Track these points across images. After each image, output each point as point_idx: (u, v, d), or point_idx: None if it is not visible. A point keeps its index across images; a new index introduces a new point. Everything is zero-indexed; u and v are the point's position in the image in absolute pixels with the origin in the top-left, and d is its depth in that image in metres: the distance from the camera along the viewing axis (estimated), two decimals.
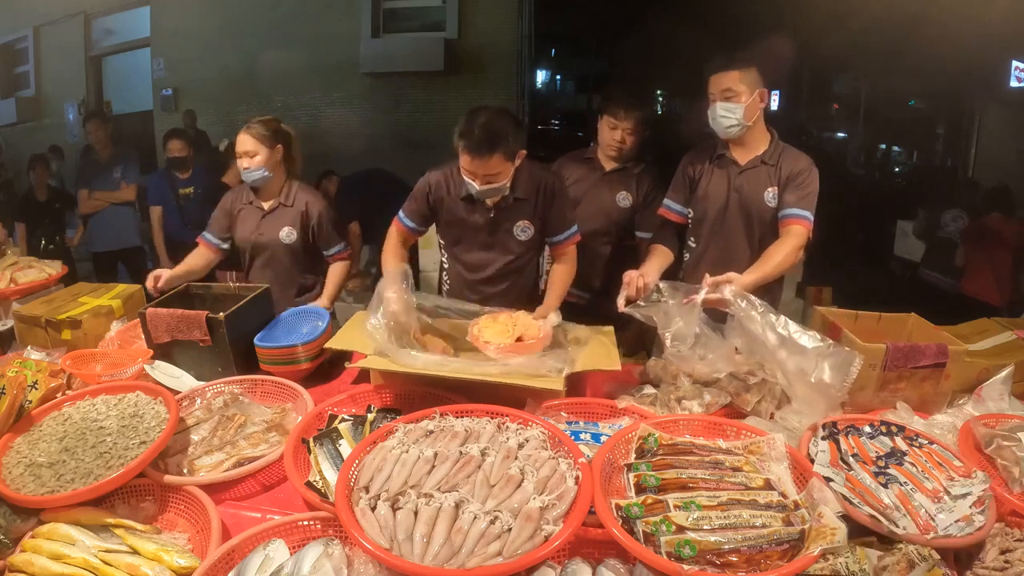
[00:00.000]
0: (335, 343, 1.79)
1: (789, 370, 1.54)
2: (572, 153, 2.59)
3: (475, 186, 1.89)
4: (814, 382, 1.49)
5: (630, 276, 1.85)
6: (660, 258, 2.06)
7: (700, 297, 1.68)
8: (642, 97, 2.39)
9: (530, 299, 2.11)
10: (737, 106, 1.95)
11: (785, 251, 1.89)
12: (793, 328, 1.56)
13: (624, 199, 2.45)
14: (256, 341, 1.89)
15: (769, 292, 1.99)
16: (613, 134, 2.38)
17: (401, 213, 2.11)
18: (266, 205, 2.33)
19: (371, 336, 1.68)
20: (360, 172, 4.34)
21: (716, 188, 2.09)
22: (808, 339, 1.53)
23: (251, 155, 2.23)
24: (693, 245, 2.18)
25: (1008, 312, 3.36)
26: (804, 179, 1.97)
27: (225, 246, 2.37)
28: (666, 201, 2.20)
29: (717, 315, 1.72)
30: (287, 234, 2.31)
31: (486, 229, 2.06)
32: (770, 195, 2.01)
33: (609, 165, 2.45)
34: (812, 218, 1.95)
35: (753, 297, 1.63)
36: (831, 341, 1.54)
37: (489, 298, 2.08)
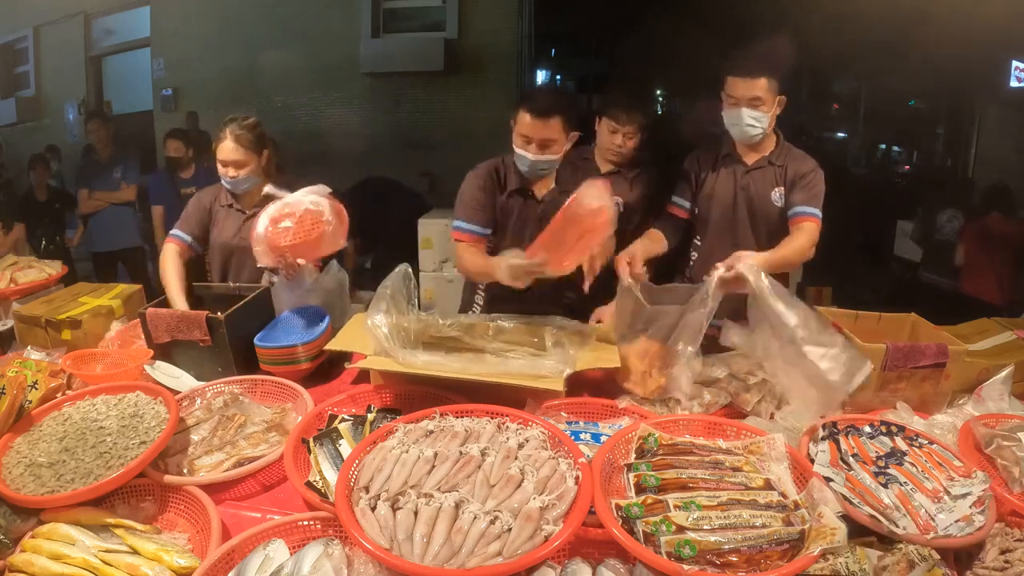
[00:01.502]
0: (335, 344, 1.79)
1: (793, 357, 1.50)
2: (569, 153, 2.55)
3: (528, 156, 1.86)
4: (817, 377, 1.47)
5: (619, 259, 1.84)
6: (650, 242, 2.05)
7: (716, 275, 1.64)
8: (644, 100, 2.37)
9: (555, 301, 2.07)
10: (764, 115, 1.96)
11: (800, 241, 1.90)
12: (813, 317, 1.52)
13: (617, 204, 2.42)
14: (256, 341, 1.88)
15: None
16: (613, 138, 2.35)
17: (464, 223, 1.97)
18: (248, 209, 2.22)
19: (371, 334, 1.67)
20: (354, 187, 4.34)
21: (722, 188, 2.11)
22: (826, 333, 1.50)
23: (240, 165, 2.10)
24: (699, 243, 2.20)
25: (1008, 312, 3.35)
26: (810, 180, 1.99)
27: (196, 246, 2.23)
28: (674, 198, 2.21)
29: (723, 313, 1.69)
30: None
31: (535, 224, 1.98)
32: (776, 195, 2.03)
33: (605, 167, 2.43)
34: (821, 216, 1.97)
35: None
36: (844, 339, 1.52)
37: (531, 300, 1.98)
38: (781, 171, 2.04)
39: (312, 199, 1.88)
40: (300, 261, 1.96)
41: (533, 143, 1.86)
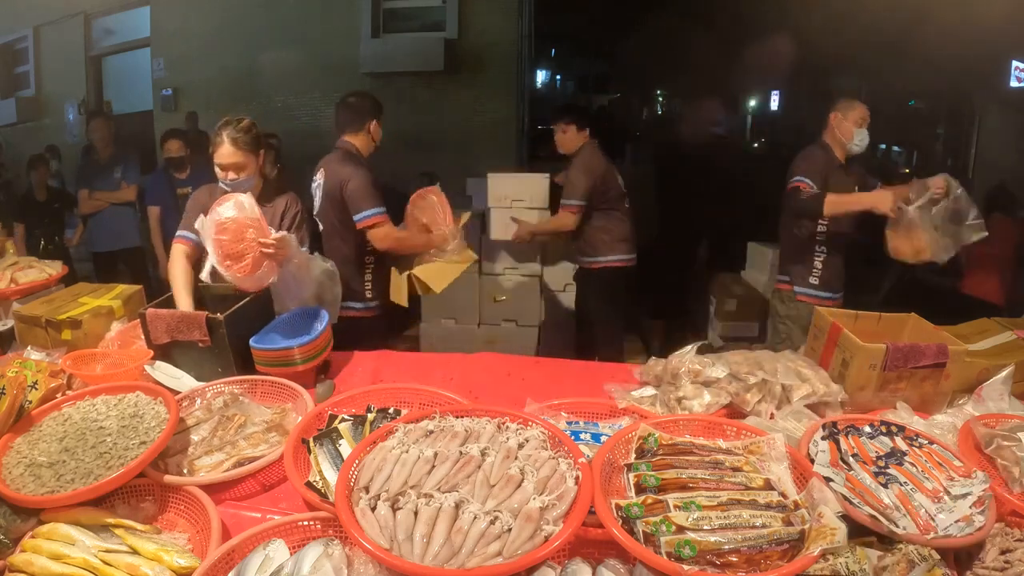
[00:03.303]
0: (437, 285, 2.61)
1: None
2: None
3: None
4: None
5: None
6: None
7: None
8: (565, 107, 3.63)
9: None
10: None
11: None
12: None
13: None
14: (251, 343, 1.86)
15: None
16: None
17: (381, 207, 2.52)
18: None
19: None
20: None
21: (844, 186, 2.82)
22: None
23: (239, 168, 2.07)
24: (823, 227, 2.88)
25: (1009, 312, 3.35)
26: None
27: (202, 244, 2.17)
28: (802, 178, 2.75)
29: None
30: None
31: None
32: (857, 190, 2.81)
33: None
34: None
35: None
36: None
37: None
38: (858, 175, 2.94)
39: (211, 222, 1.91)
40: (271, 240, 1.89)
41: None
